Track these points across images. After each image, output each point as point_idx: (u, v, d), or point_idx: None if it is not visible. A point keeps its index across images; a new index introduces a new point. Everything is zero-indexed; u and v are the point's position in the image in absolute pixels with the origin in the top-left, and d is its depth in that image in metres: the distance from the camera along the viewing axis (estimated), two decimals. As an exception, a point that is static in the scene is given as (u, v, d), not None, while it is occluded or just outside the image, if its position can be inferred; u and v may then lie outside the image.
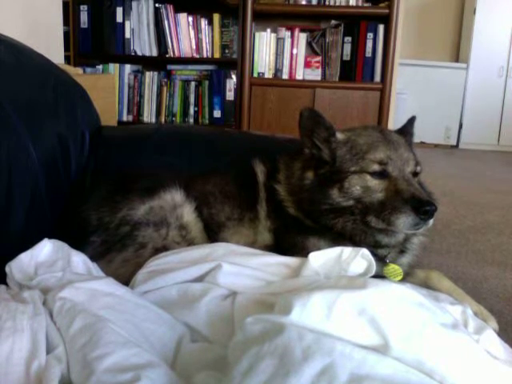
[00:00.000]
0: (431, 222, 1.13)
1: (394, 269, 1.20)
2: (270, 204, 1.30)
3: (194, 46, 3.82)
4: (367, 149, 1.18)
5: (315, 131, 1.23)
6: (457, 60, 6.65)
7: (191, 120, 3.93)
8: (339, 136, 1.23)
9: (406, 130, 1.35)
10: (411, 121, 1.38)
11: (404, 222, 1.11)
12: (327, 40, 3.66)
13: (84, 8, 3.85)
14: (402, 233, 1.19)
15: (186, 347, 0.85)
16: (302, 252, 1.11)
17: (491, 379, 0.72)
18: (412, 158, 1.21)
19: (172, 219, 1.25)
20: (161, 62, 3.94)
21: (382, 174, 1.16)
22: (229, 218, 1.31)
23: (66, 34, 3.47)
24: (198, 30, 3.80)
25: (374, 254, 1.09)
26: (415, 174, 1.21)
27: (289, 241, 1.22)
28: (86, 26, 3.87)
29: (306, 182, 1.23)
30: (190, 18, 3.79)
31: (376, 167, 1.16)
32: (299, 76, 3.72)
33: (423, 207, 1.09)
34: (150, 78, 3.94)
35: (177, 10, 3.80)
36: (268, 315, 0.79)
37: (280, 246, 1.22)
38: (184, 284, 1.01)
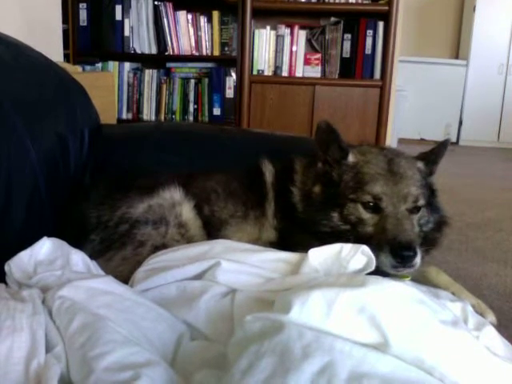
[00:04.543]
0: (417, 265, 1.09)
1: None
2: (278, 204, 1.29)
3: (193, 44, 3.82)
4: (368, 180, 1.16)
5: (330, 148, 1.22)
6: (457, 57, 6.64)
7: (191, 118, 3.93)
8: (350, 159, 1.21)
9: (432, 157, 1.26)
10: (444, 144, 1.27)
11: (382, 261, 1.08)
12: (327, 37, 3.66)
13: (83, 6, 3.84)
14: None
15: (186, 345, 0.85)
16: (306, 250, 1.10)
17: (491, 376, 0.72)
18: (413, 193, 1.16)
19: (171, 217, 1.25)
20: (160, 59, 3.93)
21: (374, 208, 1.15)
22: (232, 215, 1.30)
23: (65, 32, 3.46)
24: (197, 28, 3.80)
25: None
26: (416, 208, 1.17)
27: (295, 239, 1.22)
28: (85, 23, 3.86)
29: (313, 195, 1.23)
30: (190, 16, 3.79)
31: (369, 199, 1.15)
32: (299, 73, 3.71)
33: (400, 251, 1.07)
34: (150, 75, 3.93)
35: (176, 8, 3.79)
36: (267, 313, 0.79)
37: (285, 243, 1.21)
38: (183, 282, 1.01)
